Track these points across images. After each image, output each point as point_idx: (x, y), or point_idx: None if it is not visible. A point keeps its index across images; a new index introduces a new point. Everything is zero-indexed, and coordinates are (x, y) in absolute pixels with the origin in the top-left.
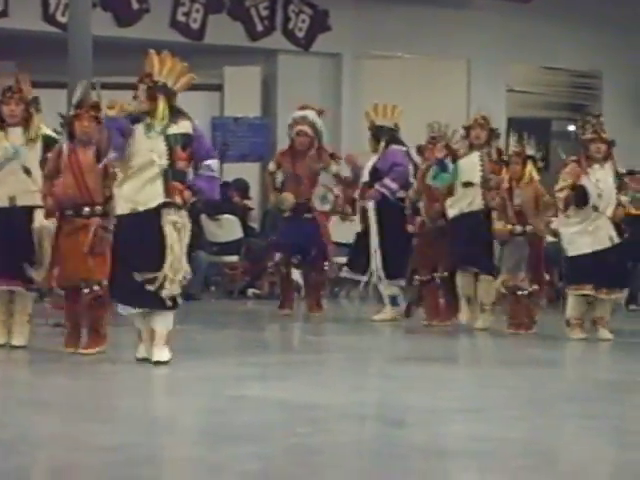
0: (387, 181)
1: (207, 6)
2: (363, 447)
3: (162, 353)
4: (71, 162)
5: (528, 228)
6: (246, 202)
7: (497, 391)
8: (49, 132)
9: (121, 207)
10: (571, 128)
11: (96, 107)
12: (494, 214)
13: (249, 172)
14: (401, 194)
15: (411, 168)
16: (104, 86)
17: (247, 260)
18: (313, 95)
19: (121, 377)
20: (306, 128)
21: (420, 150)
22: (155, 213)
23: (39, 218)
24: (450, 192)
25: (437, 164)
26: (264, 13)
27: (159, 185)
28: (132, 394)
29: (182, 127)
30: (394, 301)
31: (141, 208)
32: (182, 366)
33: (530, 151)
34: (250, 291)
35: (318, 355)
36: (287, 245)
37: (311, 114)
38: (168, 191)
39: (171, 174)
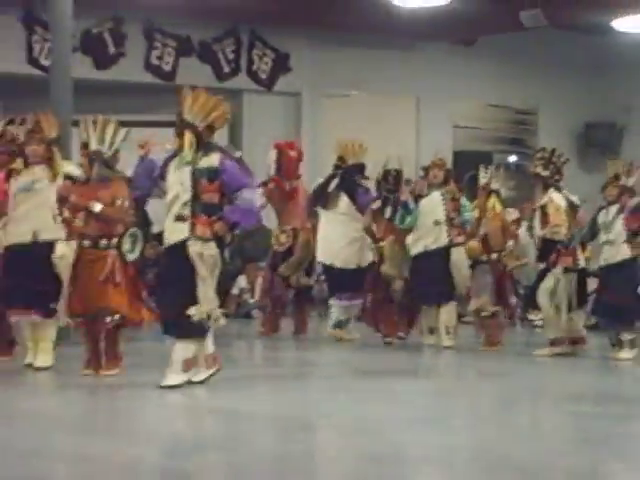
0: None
1: (178, 50)
2: (323, 455)
3: (171, 377)
4: (90, 198)
5: (492, 256)
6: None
7: (447, 402)
8: (70, 169)
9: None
10: (511, 159)
11: None
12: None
13: None
14: None
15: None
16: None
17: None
18: (276, 130)
19: (102, 392)
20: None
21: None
22: (181, 246)
23: (60, 249)
24: (409, 230)
25: (402, 207)
26: (230, 56)
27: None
28: (111, 408)
29: (208, 161)
30: (339, 323)
31: (171, 242)
32: (157, 381)
33: (495, 185)
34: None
35: (282, 370)
36: None
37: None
38: (193, 224)
39: (198, 207)
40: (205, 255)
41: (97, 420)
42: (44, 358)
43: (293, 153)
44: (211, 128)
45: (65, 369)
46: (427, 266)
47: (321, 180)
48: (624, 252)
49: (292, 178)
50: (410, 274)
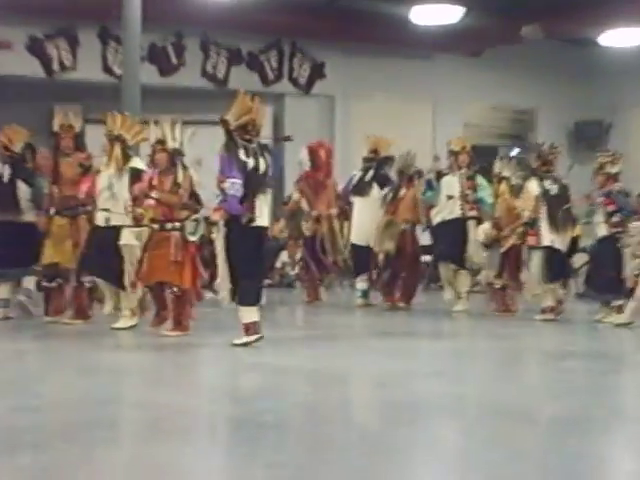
0: None
1: (230, 59)
2: (353, 402)
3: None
4: (155, 187)
5: (503, 234)
6: None
7: (458, 358)
8: (138, 164)
9: None
10: (513, 152)
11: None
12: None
13: None
14: None
15: None
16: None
17: None
18: (312, 128)
19: (168, 350)
20: None
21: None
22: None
23: (125, 236)
24: (430, 204)
25: (426, 184)
26: (274, 65)
27: None
28: (175, 364)
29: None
30: (365, 293)
31: None
32: (212, 341)
33: (506, 172)
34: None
35: (317, 331)
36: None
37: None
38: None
39: (221, 195)
40: (214, 235)
41: (163, 374)
42: (121, 322)
43: (322, 152)
44: (244, 128)
45: (138, 330)
46: (444, 232)
47: (357, 172)
48: (603, 230)
49: (323, 172)
50: (433, 240)
